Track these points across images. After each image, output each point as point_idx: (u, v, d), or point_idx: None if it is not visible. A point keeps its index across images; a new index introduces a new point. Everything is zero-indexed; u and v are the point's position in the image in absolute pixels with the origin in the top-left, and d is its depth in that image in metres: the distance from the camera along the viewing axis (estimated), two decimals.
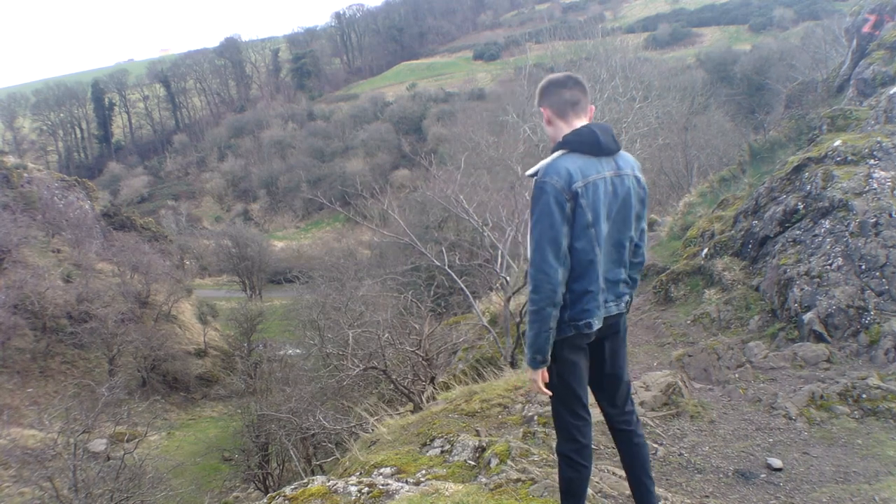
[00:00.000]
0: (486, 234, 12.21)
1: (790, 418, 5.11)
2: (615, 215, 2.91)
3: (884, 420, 4.99)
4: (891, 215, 6.81)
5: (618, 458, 4.48)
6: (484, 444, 4.53)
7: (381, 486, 3.78)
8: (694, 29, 78.14)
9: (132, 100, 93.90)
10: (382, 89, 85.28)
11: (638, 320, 8.92)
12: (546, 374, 2.91)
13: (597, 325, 2.88)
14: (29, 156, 73.59)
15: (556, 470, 3.96)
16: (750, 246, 8.58)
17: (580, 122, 2.96)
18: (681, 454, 4.61)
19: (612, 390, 3.11)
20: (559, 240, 2.76)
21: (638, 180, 2.97)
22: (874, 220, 6.85)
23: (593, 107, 3.12)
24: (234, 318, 32.59)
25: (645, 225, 3.09)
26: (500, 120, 38.63)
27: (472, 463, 4.35)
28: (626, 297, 3.06)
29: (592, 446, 4.65)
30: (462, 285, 11.82)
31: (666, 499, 3.76)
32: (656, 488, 3.61)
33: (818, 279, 6.90)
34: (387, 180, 54.21)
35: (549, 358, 2.86)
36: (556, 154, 2.91)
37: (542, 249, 2.77)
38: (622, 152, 2.99)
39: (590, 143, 2.87)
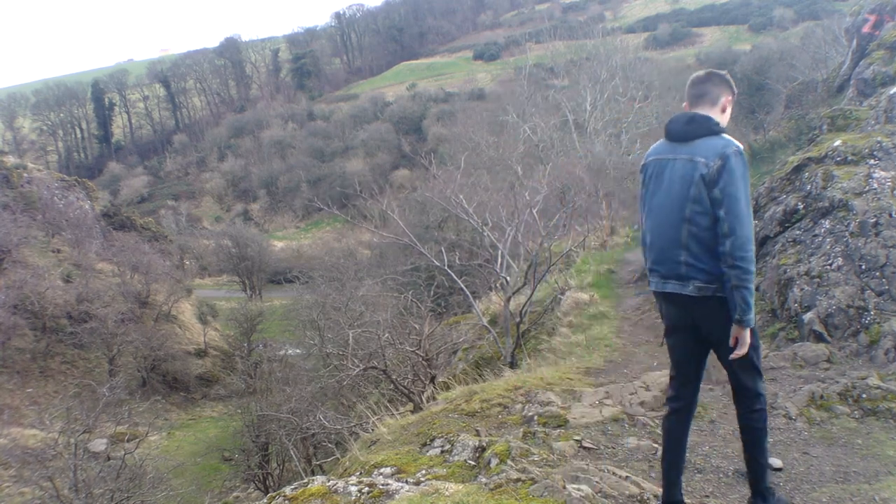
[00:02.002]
0: (485, 234, 12.21)
1: (790, 418, 5.12)
2: (662, 194, 3.31)
3: (884, 420, 4.99)
4: (891, 215, 6.81)
5: (617, 458, 4.51)
6: (484, 444, 4.53)
7: (381, 486, 3.78)
8: (694, 29, 78.15)
9: (132, 100, 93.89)
10: (382, 89, 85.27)
11: (638, 320, 8.92)
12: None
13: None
14: (29, 156, 73.59)
15: (555, 470, 3.96)
16: None
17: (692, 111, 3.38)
18: None
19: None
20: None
21: (694, 164, 3.20)
22: (874, 220, 6.85)
23: (728, 97, 3.42)
24: (234, 318, 32.59)
25: (719, 211, 3.12)
26: (500, 120, 38.67)
27: (472, 463, 4.35)
28: (693, 282, 3.22)
29: (592, 446, 4.65)
30: (462, 285, 11.83)
31: None
32: (657, 487, 3.61)
33: (818, 279, 6.90)
34: (387, 180, 54.28)
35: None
36: None
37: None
38: (705, 140, 3.24)
39: (666, 130, 3.41)
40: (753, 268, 3.10)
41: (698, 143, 3.25)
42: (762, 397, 3.39)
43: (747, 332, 3.15)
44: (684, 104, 3.51)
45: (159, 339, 27.91)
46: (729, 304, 3.12)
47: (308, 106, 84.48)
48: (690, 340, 3.41)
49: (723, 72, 3.47)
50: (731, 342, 3.18)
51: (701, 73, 3.50)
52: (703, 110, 3.35)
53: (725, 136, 3.25)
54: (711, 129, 3.26)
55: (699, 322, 3.31)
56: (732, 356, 3.20)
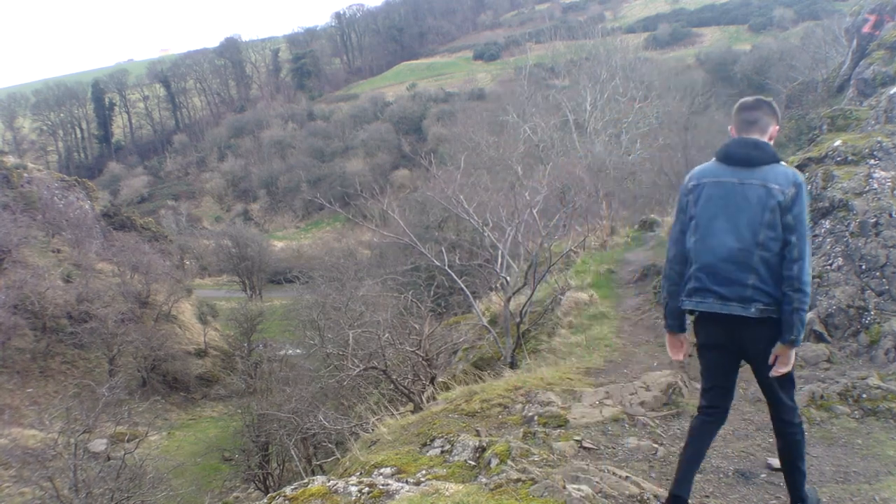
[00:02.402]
0: (486, 234, 12.21)
1: None
2: (728, 218, 3.34)
3: (884, 420, 5.00)
4: (891, 215, 6.81)
5: (618, 458, 4.51)
6: (484, 445, 4.53)
7: (381, 486, 3.78)
8: (694, 29, 78.15)
9: (132, 100, 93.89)
10: (382, 89, 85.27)
11: (638, 320, 8.92)
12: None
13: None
14: (29, 156, 73.59)
15: (555, 470, 3.96)
16: None
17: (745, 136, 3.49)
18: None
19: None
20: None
21: (769, 191, 3.29)
22: (874, 220, 6.85)
23: (776, 127, 3.57)
24: (234, 318, 32.59)
25: (791, 237, 3.26)
26: (500, 120, 38.66)
27: (473, 463, 4.35)
28: (756, 304, 3.30)
29: (592, 446, 4.64)
30: (462, 285, 11.82)
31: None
32: (657, 487, 3.61)
33: (818, 279, 6.90)
34: (387, 180, 54.20)
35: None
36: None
37: None
38: (771, 167, 3.36)
39: (723, 154, 3.48)
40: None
41: (766, 169, 3.35)
42: (798, 409, 3.53)
43: (794, 352, 3.30)
44: (731, 128, 3.59)
45: (159, 339, 27.91)
46: (783, 325, 3.25)
47: (308, 106, 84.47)
48: (729, 357, 3.52)
49: (770, 99, 3.60)
50: (772, 360, 3.30)
51: (749, 99, 3.58)
52: (746, 135, 3.48)
53: (783, 164, 3.42)
54: (775, 156, 3.40)
55: (747, 342, 3.40)
56: (776, 373, 3.32)
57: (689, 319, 3.64)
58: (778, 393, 3.44)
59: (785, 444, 3.54)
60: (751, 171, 3.36)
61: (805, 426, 4.97)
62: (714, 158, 3.53)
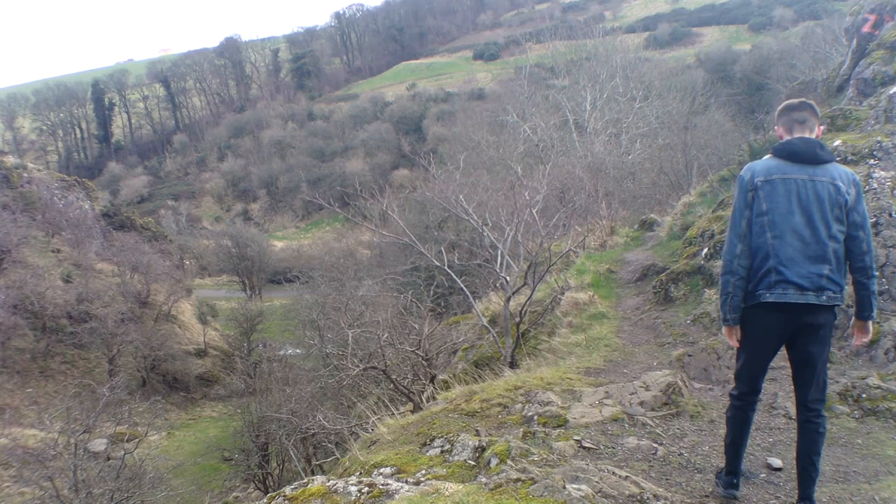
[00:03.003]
0: (485, 233, 12.20)
1: (790, 418, 5.11)
2: (803, 213, 3.54)
3: (884, 420, 5.00)
4: (890, 215, 6.81)
5: (617, 457, 4.51)
6: (484, 444, 4.53)
7: (381, 486, 3.78)
8: (694, 29, 78.15)
9: (132, 100, 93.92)
10: (382, 89, 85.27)
11: (638, 320, 8.92)
12: None
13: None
14: (29, 156, 73.64)
15: (555, 470, 3.96)
16: None
17: (798, 135, 3.70)
18: (681, 454, 4.62)
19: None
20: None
21: (837, 188, 3.55)
22: (874, 219, 6.85)
23: (823, 126, 3.84)
24: (233, 318, 32.61)
25: (858, 233, 3.59)
26: (499, 120, 38.67)
27: (472, 463, 4.35)
28: (827, 293, 3.58)
29: (591, 446, 4.64)
30: (462, 285, 11.81)
31: (666, 498, 3.76)
32: (657, 487, 3.60)
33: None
34: (387, 180, 54.20)
35: None
36: (765, 157, 3.75)
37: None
38: (833, 165, 3.63)
39: (788, 152, 3.63)
40: None
41: (829, 168, 3.61)
42: (825, 403, 3.78)
43: (870, 324, 3.73)
44: (778, 129, 3.82)
45: (159, 339, 27.93)
46: (861, 306, 3.65)
47: (308, 106, 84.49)
48: (778, 345, 3.78)
49: (812, 101, 3.81)
50: (857, 335, 3.77)
51: (795, 101, 3.81)
52: (801, 134, 3.71)
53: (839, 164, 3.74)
54: (833, 156, 3.68)
55: (807, 328, 3.62)
56: (858, 343, 3.81)
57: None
58: (817, 378, 3.69)
59: (806, 435, 3.69)
60: (817, 167, 3.59)
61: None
62: (773, 155, 3.71)
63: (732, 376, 4.05)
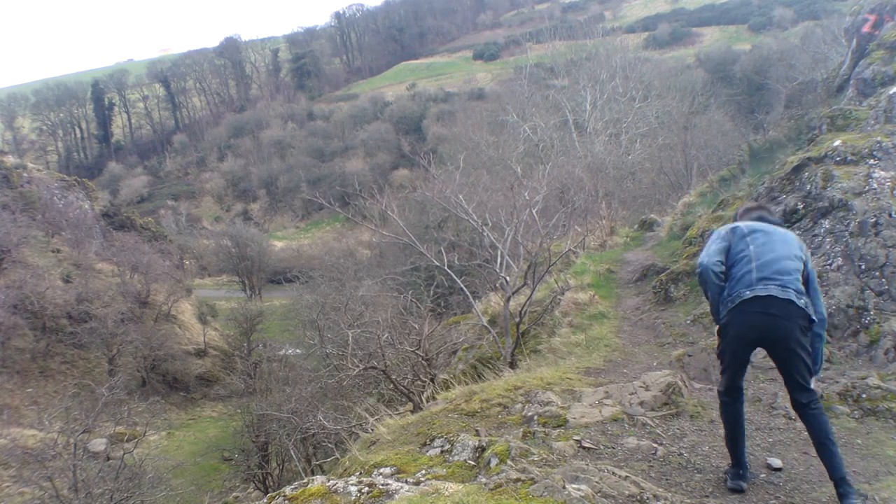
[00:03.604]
0: (485, 233, 12.20)
1: (790, 418, 5.11)
2: (775, 236, 4.21)
3: (883, 420, 4.99)
4: (890, 215, 6.81)
5: (617, 457, 4.50)
6: (484, 444, 4.53)
7: (381, 486, 3.78)
8: (694, 29, 78.12)
9: (132, 100, 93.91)
10: (382, 89, 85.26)
11: (638, 320, 8.92)
12: None
13: None
14: (29, 156, 73.62)
15: (555, 470, 3.96)
16: None
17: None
18: (681, 454, 4.62)
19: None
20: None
21: (798, 241, 4.27)
22: (874, 220, 6.85)
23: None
24: (233, 317, 32.58)
25: (813, 277, 4.22)
26: (499, 120, 38.67)
27: (472, 463, 4.35)
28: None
29: (591, 446, 4.64)
30: (462, 285, 11.81)
31: (666, 498, 3.76)
32: (657, 487, 3.60)
33: (818, 279, 6.89)
34: (386, 180, 54.27)
35: None
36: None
37: None
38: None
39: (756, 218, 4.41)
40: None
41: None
42: (816, 393, 3.97)
43: None
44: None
45: (159, 339, 27.92)
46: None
47: (308, 106, 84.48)
48: (754, 346, 4.14)
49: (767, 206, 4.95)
50: None
51: (752, 205, 4.68)
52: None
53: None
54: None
55: (785, 329, 3.91)
56: None
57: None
58: (804, 376, 3.92)
59: (811, 424, 3.90)
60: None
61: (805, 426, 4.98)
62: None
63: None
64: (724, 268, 4.15)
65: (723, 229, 4.36)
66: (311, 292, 26.49)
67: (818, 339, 4.04)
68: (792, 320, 3.87)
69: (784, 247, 4.10)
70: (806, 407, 3.92)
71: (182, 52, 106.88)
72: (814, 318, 3.95)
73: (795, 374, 3.92)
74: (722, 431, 4.35)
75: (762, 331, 3.94)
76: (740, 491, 4.03)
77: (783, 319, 3.87)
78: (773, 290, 3.90)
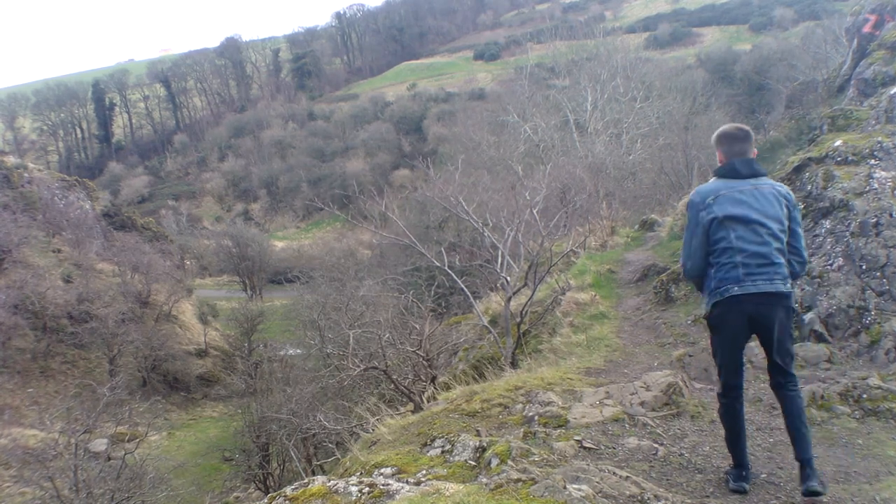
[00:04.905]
0: (486, 234, 12.21)
1: None
2: (752, 210, 3.97)
3: (884, 420, 4.99)
4: (891, 215, 6.81)
5: (618, 458, 4.51)
6: (484, 445, 4.53)
7: (381, 486, 3.78)
8: (694, 29, 78.12)
9: (132, 100, 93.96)
10: (382, 89, 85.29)
11: (638, 320, 8.92)
12: None
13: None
14: (29, 156, 73.64)
15: (556, 470, 3.96)
16: None
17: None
18: (681, 454, 4.61)
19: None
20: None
21: (780, 193, 4.05)
22: (875, 220, 6.84)
23: (756, 150, 4.29)
24: (234, 318, 32.57)
25: (798, 228, 4.10)
26: (500, 120, 38.67)
27: (473, 463, 4.35)
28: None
29: (592, 446, 4.64)
30: (462, 285, 11.81)
31: (667, 499, 3.76)
32: (657, 487, 3.60)
33: (819, 279, 6.90)
34: (387, 180, 54.25)
35: None
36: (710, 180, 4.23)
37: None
38: (764, 178, 4.11)
39: (728, 170, 4.14)
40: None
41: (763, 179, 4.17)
42: (796, 377, 4.08)
43: None
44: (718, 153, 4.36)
45: (160, 339, 27.92)
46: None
47: (308, 106, 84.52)
48: (746, 337, 4.12)
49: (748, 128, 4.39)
50: None
51: (731, 129, 4.31)
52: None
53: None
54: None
55: (775, 315, 3.94)
56: None
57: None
58: (785, 360, 4.00)
59: (793, 406, 3.98)
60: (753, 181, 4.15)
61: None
62: (715, 177, 4.25)
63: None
64: (707, 261, 4.12)
65: (699, 213, 4.12)
66: (312, 292, 26.47)
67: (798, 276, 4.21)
68: (780, 308, 3.93)
69: (764, 228, 3.95)
70: (783, 387, 4.01)
71: (183, 52, 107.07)
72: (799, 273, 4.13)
73: (777, 358, 3.99)
74: (723, 432, 4.35)
75: (752, 320, 3.97)
76: (743, 492, 4.04)
77: (773, 308, 3.91)
78: (762, 285, 3.89)
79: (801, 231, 4.11)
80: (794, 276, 4.09)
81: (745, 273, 3.92)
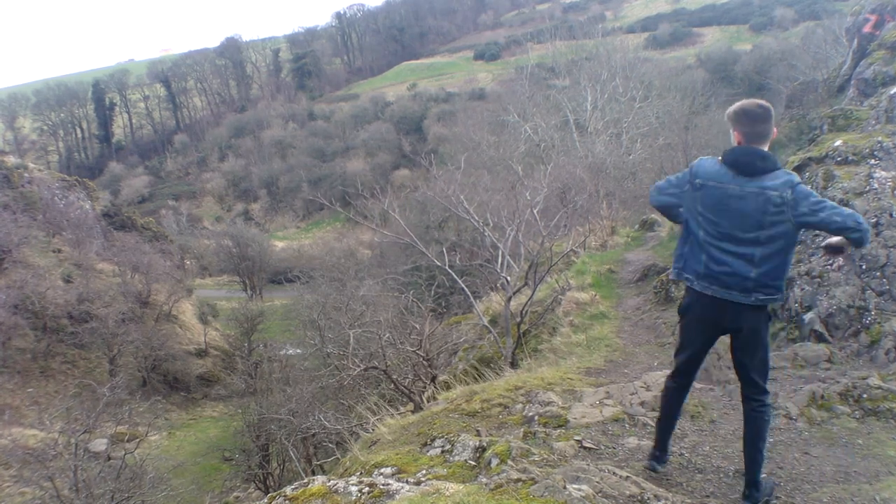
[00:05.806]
0: (486, 233, 12.21)
1: (791, 418, 5.11)
2: (726, 217, 3.64)
3: (884, 420, 4.99)
4: (891, 215, 6.81)
5: (618, 458, 4.51)
6: (484, 444, 4.53)
7: (381, 486, 3.78)
8: (694, 29, 78.14)
9: (133, 100, 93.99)
10: (383, 89, 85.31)
11: (638, 320, 8.92)
12: None
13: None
14: (29, 156, 73.66)
15: (556, 470, 3.96)
16: None
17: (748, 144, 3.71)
18: (681, 454, 4.61)
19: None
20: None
21: (768, 199, 3.53)
22: (875, 220, 6.84)
23: (776, 129, 3.82)
24: (234, 317, 32.56)
25: (816, 216, 3.51)
26: (500, 120, 38.69)
27: (473, 463, 4.35)
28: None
29: (592, 446, 4.64)
30: (462, 285, 11.81)
31: (666, 499, 3.76)
32: (657, 487, 3.60)
33: (819, 279, 6.89)
34: (387, 180, 54.29)
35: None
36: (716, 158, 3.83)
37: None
38: (770, 174, 3.59)
39: (731, 161, 3.70)
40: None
41: (767, 176, 3.70)
42: (769, 394, 3.87)
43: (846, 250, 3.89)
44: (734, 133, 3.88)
45: (160, 339, 27.91)
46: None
47: (308, 106, 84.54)
48: (713, 332, 3.91)
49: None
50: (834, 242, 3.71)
51: (753, 107, 3.75)
52: (752, 144, 3.73)
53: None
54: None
55: (740, 322, 3.73)
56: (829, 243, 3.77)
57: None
58: (751, 374, 3.81)
59: (752, 425, 3.82)
60: (748, 178, 3.68)
61: (805, 426, 4.99)
62: (721, 158, 3.86)
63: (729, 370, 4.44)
64: (679, 213, 3.91)
65: (688, 179, 3.84)
66: (312, 292, 26.48)
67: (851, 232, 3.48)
68: (747, 315, 3.68)
69: (733, 242, 3.62)
70: (748, 401, 3.84)
71: (183, 52, 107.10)
72: (778, 299, 3.69)
73: (745, 360, 3.80)
74: (723, 430, 4.35)
75: (714, 322, 3.81)
76: (653, 471, 4.18)
77: (730, 313, 3.71)
78: (716, 291, 3.69)
79: (824, 214, 3.46)
80: (859, 243, 3.56)
81: (706, 273, 3.72)
